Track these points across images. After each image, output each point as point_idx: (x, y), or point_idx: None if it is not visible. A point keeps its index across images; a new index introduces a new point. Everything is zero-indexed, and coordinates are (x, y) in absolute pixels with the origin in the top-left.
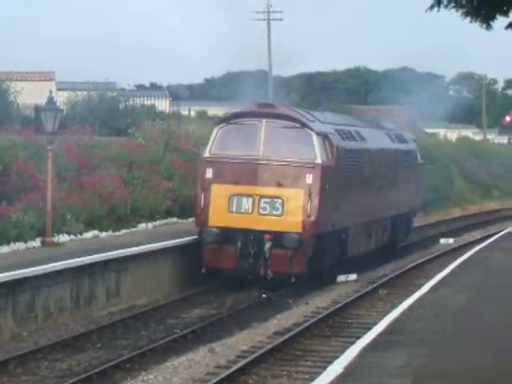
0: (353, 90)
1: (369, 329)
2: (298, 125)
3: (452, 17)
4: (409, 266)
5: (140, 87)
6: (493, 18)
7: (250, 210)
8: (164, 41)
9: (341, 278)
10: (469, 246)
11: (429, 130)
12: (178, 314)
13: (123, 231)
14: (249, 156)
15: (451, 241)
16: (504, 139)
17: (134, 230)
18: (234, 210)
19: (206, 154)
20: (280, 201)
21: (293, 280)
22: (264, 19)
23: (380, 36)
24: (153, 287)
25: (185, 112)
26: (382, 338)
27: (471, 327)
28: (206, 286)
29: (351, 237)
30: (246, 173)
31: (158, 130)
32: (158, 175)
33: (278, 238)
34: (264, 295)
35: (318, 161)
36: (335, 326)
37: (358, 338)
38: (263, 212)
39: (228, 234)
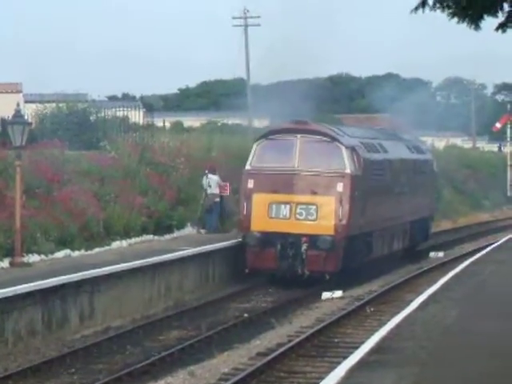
0: (336, 97)
1: (356, 348)
2: (329, 139)
3: (437, 19)
4: (397, 282)
5: (112, 98)
6: (481, 18)
7: (287, 216)
8: (137, 49)
9: (326, 294)
10: (460, 259)
11: None
12: (155, 335)
13: (96, 250)
14: (285, 167)
15: (441, 254)
16: (494, 147)
17: (107, 248)
18: (273, 215)
19: (248, 167)
20: (314, 207)
21: (327, 277)
22: (241, 25)
23: (364, 41)
24: (128, 308)
25: (159, 123)
26: (369, 357)
27: (462, 345)
28: (185, 307)
29: (375, 240)
30: (283, 183)
31: (131, 142)
32: (132, 190)
33: (313, 240)
34: (246, 315)
35: (348, 171)
36: (321, 346)
37: (345, 357)
38: (299, 217)
39: (268, 238)
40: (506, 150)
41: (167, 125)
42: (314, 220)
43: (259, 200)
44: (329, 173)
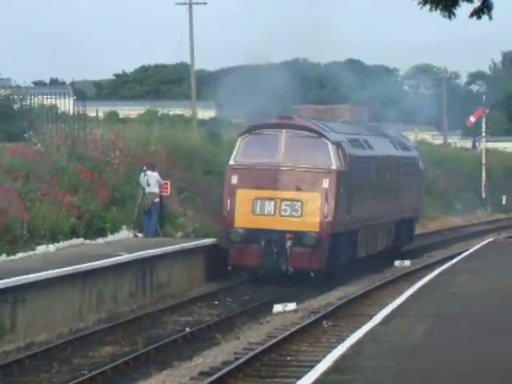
0: (291, 86)
1: (311, 367)
2: (315, 135)
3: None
4: (358, 293)
5: (39, 84)
6: (455, 4)
7: (272, 212)
8: (67, 29)
9: (277, 307)
10: (428, 268)
11: None
12: (85, 352)
13: (19, 255)
14: (270, 163)
15: (407, 263)
16: (468, 143)
17: (32, 253)
18: (257, 212)
19: (232, 162)
20: (299, 203)
21: (312, 275)
22: (185, 3)
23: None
24: (55, 321)
25: (92, 113)
26: (326, 377)
27: (430, 366)
28: (120, 320)
29: (360, 238)
30: (268, 178)
31: (60, 134)
32: (61, 188)
33: (298, 237)
34: (187, 329)
35: (334, 167)
36: (271, 365)
37: (299, 378)
38: (284, 214)
39: (253, 234)
40: (481, 146)
41: (101, 115)
42: (298, 216)
43: (243, 196)
44: (314, 169)
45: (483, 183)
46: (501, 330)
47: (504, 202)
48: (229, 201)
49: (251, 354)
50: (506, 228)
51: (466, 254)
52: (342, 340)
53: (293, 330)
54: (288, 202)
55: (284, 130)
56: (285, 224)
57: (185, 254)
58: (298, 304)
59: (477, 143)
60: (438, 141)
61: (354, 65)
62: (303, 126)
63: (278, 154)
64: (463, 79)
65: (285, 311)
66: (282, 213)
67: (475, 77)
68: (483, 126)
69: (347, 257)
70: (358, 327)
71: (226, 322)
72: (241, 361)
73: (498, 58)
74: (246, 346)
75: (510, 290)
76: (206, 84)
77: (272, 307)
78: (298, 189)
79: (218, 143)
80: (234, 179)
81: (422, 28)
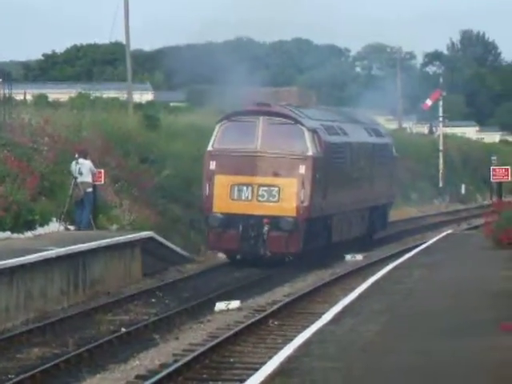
0: (233, 66)
1: (255, 369)
2: (292, 121)
3: None
4: (306, 290)
5: None
6: None
7: (249, 198)
8: None
9: (220, 305)
10: (382, 262)
11: None
12: (12, 354)
13: None
14: (248, 149)
15: (360, 257)
16: (424, 128)
17: None
18: (235, 197)
19: (210, 148)
20: (276, 189)
21: (289, 259)
22: None
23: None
24: None
25: (19, 96)
26: (271, 380)
27: (383, 367)
28: (50, 319)
29: (335, 224)
30: (245, 164)
31: None
32: None
33: (275, 221)
34: (123, 329)
35: (310, 153)
36: (213, 367)
37: (242, 381)
38: (261, 199)
39: (231, 219)
40: (438, 131)
41: (29, 98)
42: (275, 202)
43: (221, 181)
44: (291, 155)
45: (440, 171)
46: (457, 329)
47: (463, 191)
48: (207, 186)
49: (191, 355)
50: (465, 219)
51: (422, 247)
52: (288, 340)
53: (236, 329)
54: (265, 188)
55: (261, 117)
56: (262, 209)
57: (120, 249)
58: (242, 301)
59: (434, 128)
60: (393, 126)
61: (301, 44)
62: (280, 112)
63: (256, 140)
64: (419, 60)
65: (228, 309)
66: (260, 198)
67: (432, 57)
68: (440, 109)
69: (323, 242)
70: (306, 326)
71: (164, 321)
72: (180, 363)
73: (457, 37)
74: (186, 347)
75: (467, 286)
76: (143, 65)
77: (214, 305)
78: (275, 174)
79: (156, 128)
80: (212, 165)
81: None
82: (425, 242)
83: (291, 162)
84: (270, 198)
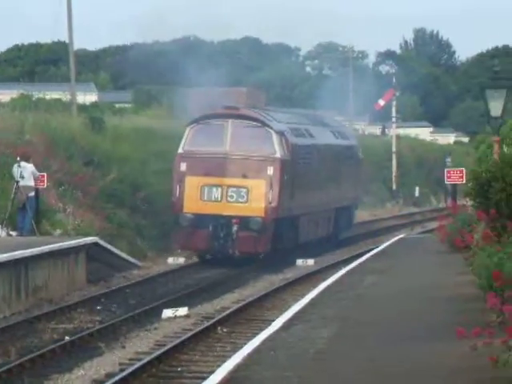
0: (180, 66)
1: (204, 378)
2: (260, 124)
3: None
4: (256, 296)
5: None
6: None
7: (219, 198)
8: None
9: (167, 312)
10: (333, 267)
11: None
12: None
13: None
14: (217, 151)
15: (311, 262)
16: (377, 129)
17: None
18: (205, 198)
19: (180, 151)
20: (245, 190)
21: (261, 257)
22: None
23: None
24: None
25: None
26: None
27: (335, 376)
28: None
29: (302, 224)
30: (215, 166)
31: None
32: None
33: (244, 221)
34: (67, 338)
35: (278, 155)
36: (160, 376)
37: None
38: (231, 200)
39: (201, 219)
40: (391, 133)
41: None
42: (244, 202)
43: (191, 183)
44: (259, 157)
45: (394, 173)
46: (411, 336)
47: (417, 194)
48: (178, 187)
49: (138, 364)
50: (419, 223)
51: (374, 251)
52: (238, 348)
53: (184, 337)
54: (234, 189)
55: (230, 120)
56: (231, 209)
57: (64, 255)
58: (190, 308)
59: (386, 129)
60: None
61: (251, 43)
62: (249, 116)
63: (225, 142)
64: (371, 59)
65: (175, 316)
66: (229, 199)
67: (385, 56)
68: (393, 110)
69: (290, 241)
70: (256, 334)
71: (109, 329)
72: (126, 372)
73: (410, 36)
74: (133, 356)
75: (421, 292)
76: (87, 65)
77: (161, 312)
78: (244, 176)
79: (101, 131)
80: (183, 167)
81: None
82: (377, 247)
83: (259, 164)
84: (239, 199)
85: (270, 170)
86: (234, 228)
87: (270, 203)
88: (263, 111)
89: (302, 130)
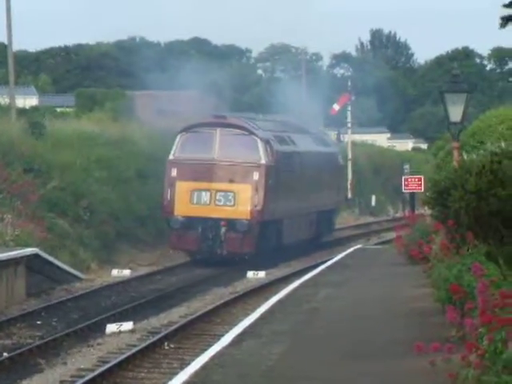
0: (126, 69)
1: None
2: (246, 132)
3: None
4: (204, 310)
5: None
6: None
7: (208, 202)
8: None
9: (111, 327)
10: (286, 280)
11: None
12: None
13: None
14: (206, 158)
15: (262, 274)
16: (332, 135)
17: None
18: (195, 202)
19: (171, 157)
20: (232, 194)
21: (246, 257)
22: None
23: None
24: None
25: None
26: None
27: None
28: None
29: (286, 227)
30: (204, 171)
31: None
32: None
33: (231, 224)
34: (5, 354)
35: (263, 161)
36: None
37: None
38: (219, 203)
39: (190, 222)
40: (347, 139)
41: None
42: (232, 206)
43: (182, 187)
44: (245, 163)
45: (349, 181)
46: (367, 352)
47: (373, 203)
48: (169, 191)
49: (80, 382)
50: (375, 233)
51: (328, 263)
52: (185, 364)
53: (129, 353)
54: (222, 193)
55: (218, 128)
56: (219, 212)
57: (2, 266)
58: (135, 323)
59: (341, 135)
60: None
61: (199, 44)
62: (235, 124)
63: (213, 149)
64: (326, 61)
65: (120, 331)
66: (217, 202)
67: (339, 59)
68: (349, 115)
69: (274, 243)
70: (204, 349)
71: (50, 344)
72: None
73: (366, 38)
74: (74, 373)
75: (377, 306)
76: (27, 67)
77: (105, 327)
78: (231, 181)
79: (42, 136)
80: (174, 172)
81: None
82: (332, 258)
83: (246, 170)
84: (227, 203)
85: (256, 176)
86: (222, 230)
87: (256, 206)
88: (250, 120)
89: (286, 138)
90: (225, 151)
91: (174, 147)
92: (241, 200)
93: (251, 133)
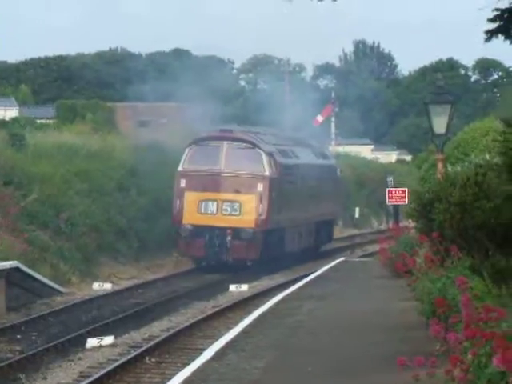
0: (107, 80)
1: None
2: (251, 146)
3: None
4: (186, 324)
5: None
6: None
7: (214, 211)
8: None
9: (91, 341)
10: (269, 293)
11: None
12: None
13: None
14: (213, 170)
15: (245, 287)
16: None
17: None
18: (202, 211)
19: (180, 168)
20: (238, 204)
21: (249, 264)
22: None
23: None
24: None
25: None
26: None
27: None
28: None
29: (288, 236)
30: (211, 183)
31: None
32: None
33: (236, 232)
34: None
35: (267, 173)
36: None
37: None
38: (225, 212)
39: (198, 230)
40: (331, 150)
41: None
42: (237, 215)
43: (190, 197)
44: (251, 175)
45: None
46: (351, 367)
47: (357, 215)
48: (178, 201)
49: None
50: (359, 246)
51: (312, 276)
52: (167, 379)
53: (109, 368)
54: (228, 203)
55: (225, 142)
56: (225, 221)
57: None
58: (116, 337)
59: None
60: None
61: (180, 56)
62: (241, 138)
63: (220, 162)
64: (309, 73)
65: (100, 346)
66: (223, 212)
67: (323, 70)
68: (332, 126)
69: (277, 250)
70: (187, 364)
71: (30, 359)
72: None
73: (350, 49)
74: None
75: (362, 320)
76: (7, 78)
77: (85, 341)
78: (237, 191)
79: (22, 148)
80: (183, 183)
81: (262, 14)
82: (315, 271)
83: (251, 181)
84: (233, 212)
85: (260, 187)
86: (228, 238)
87: (260, 216)
88: (254, 134)
89: (288, 151)
90: (231, 163)
91: (182, 159)
92: (246, 210)
93: (256, 146)
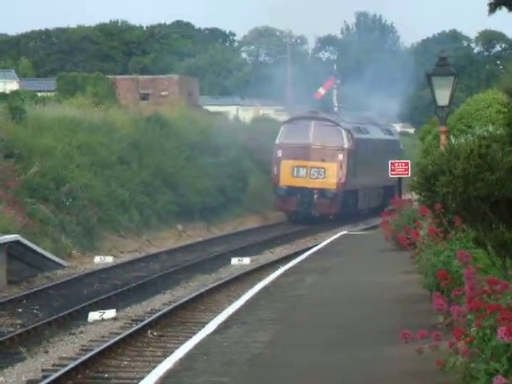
0: (108, 52)
1: None
2: (333, 124)
3: None
4: (188, 298)
5: None
6: None
7: (305, 175)
8: None
9: (93, 315)
10: (271, 266)
11: (213, 108)
12: None
13: None
14: (303, 143)
15: (247, 261)
16: None
17: None
18: (295, 175)
19: (277, 142)
20: (323, 170)
21: (331, 217)
22: None
23: None
24: None
25: None
26: None
27: (271, 382)
28: None
29: (360, 196)
30: (302, 153)
31: None
32: None
33: (321, 192)
34: None
35: (346, 146)
36: (86, 383)
37: None
38: (313, 177)
39: (292, 190)
40: None
41: None
42: (322, 178)
43: (285, 164)
44: (333, 147)
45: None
46: (354, 339)
47: None
48: (275, 168)
49: (62, 370)
50: (362, 220)
51: (314, 249)
52: (169, 353)
53: (111, 341)
54: (315, 169)
55: (313, 121)
56: (313, 183)
57: None
58: (117, 310)
59: None
60: (283, 117)
61: (182, 28)
62: (325, 118)
63: (309, 136)
64: (311, 45)
65: (102, 319)
66: (312, 176)
67: (325, 42)
68: (334, 99)
69: (352, 208)
70: (189, 337)
71: (32, 333)
72: (49, 379)
73: (352, 20)
74: (56, 362)
75: (365, 292)
76: (7, 51)
77: (87, 315)
78: (322, 160)
79: (23, 121)
80: (279, 153)
81: None
82: (317, 244)
83: (333, 152)
84: (319, 176)
85: (340, 156)
86: (315, 196)
87: (340, 179)
88: (335, 114)
89: (362, 128)
90: (317, 138)
91: (279, 134)
92: (329, 174)
93: (337, 124)
